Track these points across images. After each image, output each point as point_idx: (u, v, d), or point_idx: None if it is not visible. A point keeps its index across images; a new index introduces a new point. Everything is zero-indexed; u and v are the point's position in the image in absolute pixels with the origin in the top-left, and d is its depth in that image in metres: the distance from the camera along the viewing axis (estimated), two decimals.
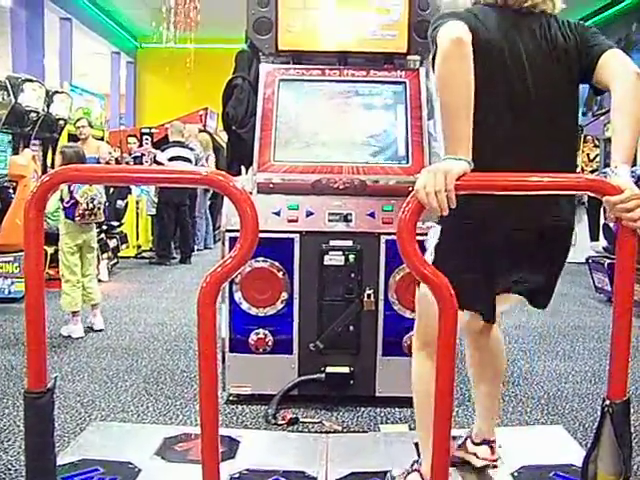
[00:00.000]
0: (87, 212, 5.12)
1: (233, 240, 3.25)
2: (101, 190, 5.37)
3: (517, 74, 2.13)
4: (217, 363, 1.80)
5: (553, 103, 2.17)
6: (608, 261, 6.43)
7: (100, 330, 5.40)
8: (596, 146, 10.34)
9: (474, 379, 2.77)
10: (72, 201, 5.05)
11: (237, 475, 2.71)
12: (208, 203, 10.80)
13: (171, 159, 8.85)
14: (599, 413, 1.88)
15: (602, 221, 7.50)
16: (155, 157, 9.43)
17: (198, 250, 10.29)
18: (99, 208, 5.26)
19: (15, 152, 7.14)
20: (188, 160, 9.03)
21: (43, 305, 1.78)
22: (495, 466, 2.72)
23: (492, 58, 2.11)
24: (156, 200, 9.51)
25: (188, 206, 9.52)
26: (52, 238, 5.33)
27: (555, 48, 2.17)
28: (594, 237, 9.01)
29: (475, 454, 2.73)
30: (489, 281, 2.24)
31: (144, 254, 9.86)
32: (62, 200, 5.08)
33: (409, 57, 3.92)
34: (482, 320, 2.36)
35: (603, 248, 7.36)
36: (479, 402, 2.76)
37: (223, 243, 3.53)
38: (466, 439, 2.79)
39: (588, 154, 10.48)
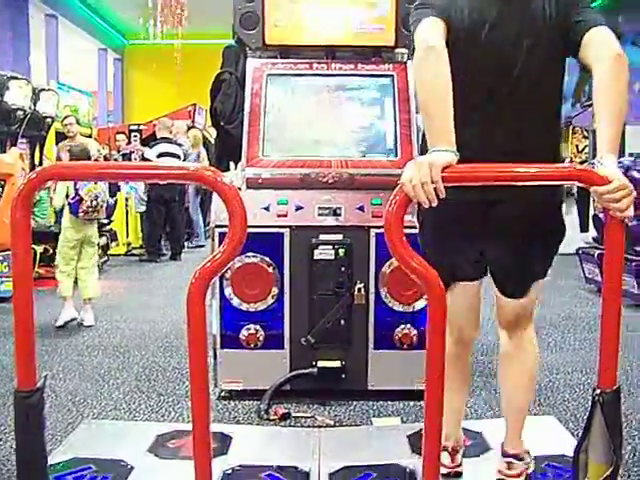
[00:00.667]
0: (90, 209, 5.30)
1: (222, 235, 3.24)
2: (104, 188, 5.51)
3: (498, 54, 2.13)
4: (207, 359, 1.80)
5: (538, 80, 2.16)
6: (598, 252, 6.45)
7: (89, 326, 5.42)
8: (585, 137, 10.38)
9: (500, 382, 2.65)
10: (77, 198, 5.24)
11: (230, 471, 2.70)
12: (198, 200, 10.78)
13: (159, 155, 8.83)
14: (590, 403, 1.88)
15: (592, 212, 7.54)
16: (143, 154, 9.43)
17: (197, 247, 10.25)
18: (101, 205, 5.41)
19: (2, 151, 7.10)
20: (176, 156, 9.02)
21: (31, 304, 1.77)
22: None
23: (471, 41, 2.12)
24: (145, 197, 9.48)
25: (178, 202, 9.50)
26: (41, 237, 5.33)
27: (541, 23, 2.14)
28: (584, 228, 9.07)
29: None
30: (458, 248, 2.30)
31: (134, 251, 9.83)
32: (67, 196, 5.26)
33: (397, 50, 3.93)
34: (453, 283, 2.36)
35: (593, 239, 7.39)
36: (503, 410, 2.63)
37: (212, 239, 3.53)
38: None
39: (577, 145, 10.51)
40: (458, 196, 1.81)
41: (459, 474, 2.60)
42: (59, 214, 8.05)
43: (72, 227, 5.39)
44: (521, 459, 2.49)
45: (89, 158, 5.73)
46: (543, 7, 2.15)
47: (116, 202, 8.81)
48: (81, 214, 5.29)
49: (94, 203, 5.30)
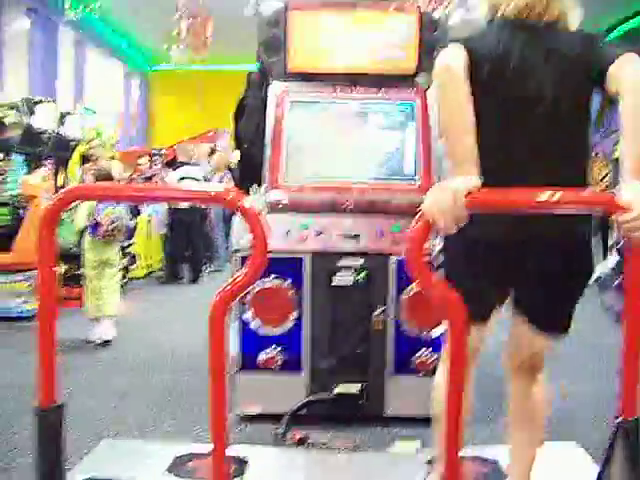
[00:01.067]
0: (107, 233, 5.42)
1: (243, 260, 3.27)
2: (124, 211, 5.64)
3: (522, 90, 2.13)
4: (227, 381, 1.81)
5: (563, 117, 2.16)
6: (617, 280, 6.38)
7: (107, 341, 5.51)
8: (606, 165, 10.32)
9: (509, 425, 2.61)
10: (94, 222, 5.38)
11: None
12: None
13: (181, 179, 8.90)
14: (611, 433, 1.87)
15: (611, 239, 7.47)
16: (163, 179, 9.56)
17: (217, 271, 10.28)
18: (119, 229, 5.51)
19: (28, 172, 7.21)
20: (198, 179, 9.08)
21: (54, 322, 1.80)
22: None
23: (497, 75, 2.13)
24: (166, 221, 9.54)
25: (199, 226, 9.54)
26: (64, 258, 5.41)
27: (565, 56, 2.15)
28: (603, 256, 8.99)
29: None
30: (483, 287, 2.23)
31: (154, 274, 9.88)
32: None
33: (418, 77, 3.95)
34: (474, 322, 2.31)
35: (611, 268, 7.32)
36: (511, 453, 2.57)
37: (233, 263, 3.55)
38: None
39: (598, 173, 10.44)
40: (488, 236, 1.82)
41: None
42: (81, 236, 8.16)
43: (92, 249, 5.53)
44: None
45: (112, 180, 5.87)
46: (567, 41, 2.17)
47: (136, 225, 8.90)
48: (98, 237, 5.43)
49: (111, 227, 5.40)
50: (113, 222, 5.40)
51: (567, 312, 2.32)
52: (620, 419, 1.81)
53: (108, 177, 5.75)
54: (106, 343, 5.51)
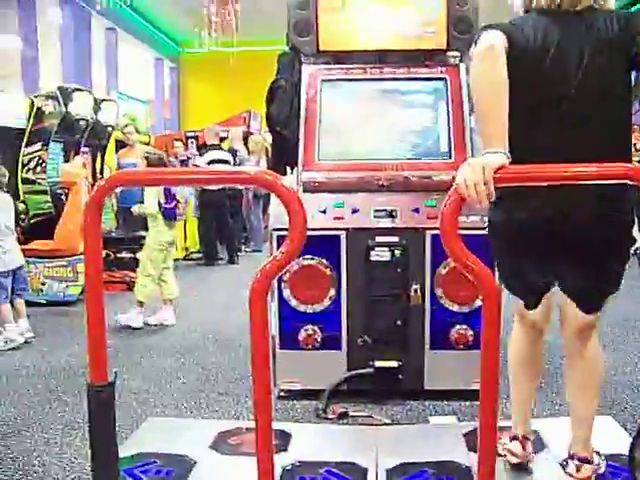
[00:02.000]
0: (184, 211, 5.75)
1: (281, 238, 3.32)
2: (187, 192, 5.93)
3: (560, 76, 2.17)
4: (269, 357, 1.87)
5: (602, 99, 2.19)
6: None
7: (172, 325, 5.67)
8: None
9: (566, 386, 2.67)
10: (174, 202, 5.55)
11: (289, 467, 2.77)
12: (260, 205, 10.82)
13: (210, 163, 8.96)
14: None
15: None
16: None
17: (254, 251, 10.36)
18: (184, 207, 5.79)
19: (66, 159, 7.34)
20: (227, 162, 9.12)
21: (102, 302, 1.87)
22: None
23: (533, 63, 2.19)
24: (196, 203, 9.63)
25: (228, 207, 9.64)
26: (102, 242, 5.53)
27: (601, 41, 2.18)
28: None
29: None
30: (528, 269, 2.33)
31: (192, 256, 10.01)
32: (160, 204, 5.52)
33: (449, 53, 3.95)
34: (526, 308, 2.41)
35: None
36: (571, 413, 2.64)
37: (271, 242, 3.61)
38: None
39: (635, 144, 10.29)
40: (529, 214, 1.88)
41: (528, 464, 2.66)
42: (120, 220, 8.31)
43: (166, 232, 5.66)
44: (589, 462, 2.51)
45: (165, 165, 6.01)
46: (605, 25, 2.19)
47: None
48: (179, 217, 5.66)
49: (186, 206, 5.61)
50: (186, 201, 5.64)
51: (605, 292, 2.40)
52: None
53: (161, 162, 5.84)
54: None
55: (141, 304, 5.61)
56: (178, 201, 5.54)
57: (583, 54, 2.17)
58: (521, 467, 2.67)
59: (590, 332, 2.49)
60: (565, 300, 2.45)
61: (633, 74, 2.26)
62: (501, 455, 2.64)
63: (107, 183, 1.92)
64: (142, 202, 5.68)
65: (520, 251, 2.35)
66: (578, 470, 2.51)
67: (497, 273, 2.47)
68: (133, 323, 5.53)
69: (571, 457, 2.54)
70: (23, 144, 6.81)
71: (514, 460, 2.64)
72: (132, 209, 5.96)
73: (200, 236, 9.90)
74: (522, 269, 2.39)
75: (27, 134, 6.82)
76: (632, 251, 7.49)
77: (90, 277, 1.89)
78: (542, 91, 2.20)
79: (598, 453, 2.57)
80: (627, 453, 1.98)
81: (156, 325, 5.64)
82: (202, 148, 9.93)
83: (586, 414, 2.54)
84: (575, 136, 2.18)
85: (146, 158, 5.76)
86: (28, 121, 6.81)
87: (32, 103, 6.83)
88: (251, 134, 11.28)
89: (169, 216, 5.57)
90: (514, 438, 2.67)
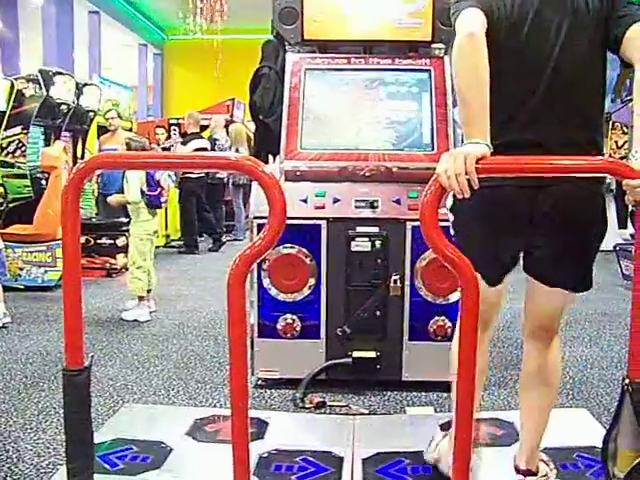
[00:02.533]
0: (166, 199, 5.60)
1: (261, 227, 3.31)
2: (166, 176, 5.61)
3: (539, 46, 2.15)
4: (247, 344, 1.86)
5: (578, 73, 2.17)
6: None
7: (154, 311, 5.64)
8: (625, 133, 10.23)
9: (520, 393, 2.62)
10: (159, 188, 5.40)
11: (266, 455, 2.78)
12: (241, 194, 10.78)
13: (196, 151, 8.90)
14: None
15: (630, 208, 7.46)
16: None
17: (235, 240, 10.34)
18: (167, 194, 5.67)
19: (47, 144, 7.28)
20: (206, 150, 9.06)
21: (80, 286, 1.85)
22: None
23: (512, 34, 2.16)
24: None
25: (210, 195, 9.66)
26: (83, 228, 5.46)
27: (583, 15, 2.16)
28: (622, 225, 8.96)
29: None
30: (495, 245, 2.27)
31: (173, 243, 9.97)
32: (142, 192, 5.37)
33: (434, 45, 3.96)
34: (487, 285, 2.31)
35: (630, 235, 7.32)
36: (521, 422, 2.58)
37: (251, 230, 3.60)
38: None
39: (616, 141, 10.37)
40: (505, 182, 1.89)
41: None
42: (101, 206, 8.25)
43: (150, 220, 5.52)
44: (534, 474, 2.47)
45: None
46: (586, 1, 2.17)
47: None
48: (163, 204, 5.55)
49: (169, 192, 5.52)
50: (168, 188, 5.54)
51: (580, 265, 2.32)
52: (628, 380, 1.84)
53: (142, 148, 5.67)
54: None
55: (141, 298, 5.52)
56: (162, 188, 5.43)
57: (561, 26, 2.15)
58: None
59: (555, 330, 2.44)
60: (536, 289, 2.37)
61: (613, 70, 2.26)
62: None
63: (86, 165, 1.89)
64: (122, 191, 5.57)
65: (494, 224, 2.25)
66: None
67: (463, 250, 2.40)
68: (141, 318, 5.43)
69: (516, 471, 2.49)
70: (2, 127, 6.74)
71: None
72: (108, 199, 5.87)
73: (182, 224, 9.86)
74: (493, 243, 2.28)
75: (7, 117, 6.74)
76: (612, 246, 7.55)
77: (68, 259, 1.87)
78: (517, 65, 2.17)
79: (545, 461, 2.54)
80: (600, 445, 2.00)
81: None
82: (185, 136, 9.84)
83: (540, 425, 2.49)
84: (550, 119, 2.16)
85: (127, 144, 5.60)
86: (8, 104, 6.73)
87: (12, 85, 6.75)
88: (234, 122, 11.23)
89: (153, 204, 5.43)
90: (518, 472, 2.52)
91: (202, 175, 9.16)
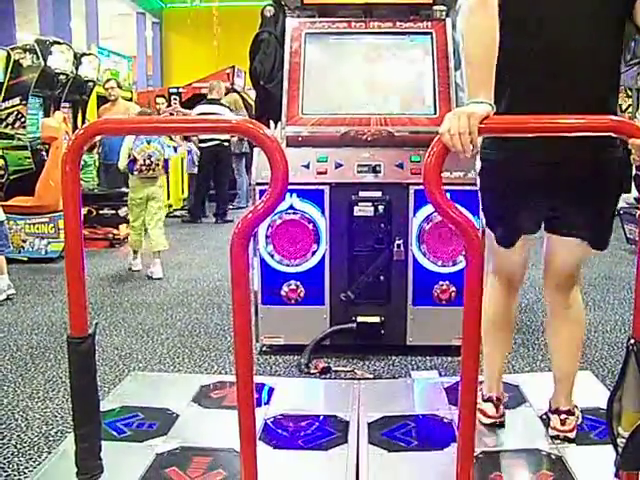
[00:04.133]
0: (144, 167, 5.69)
1: (263, 192, 3.29)
2: (159, 147, 5.80)
3: (551, 15, 2.14)
4: (250, 308, 1.85)
5: (592, 42, 2.15)
6: (639, 212, 6.38)
7: (159, 279, 5.78)
8: (629, 96, 10.16)
9: (549, 342, 2.70)
10: (130, 158, 5.67)
11: (272, 419, 2.78)
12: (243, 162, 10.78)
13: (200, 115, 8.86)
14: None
15: (634, 172, 7.42)
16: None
17: (238, 208, 10.32)
18: (157, 164, 5.76)
19: (46, 115, 7.23)
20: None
21: (82, 251, 1.84)
22: (568, 438, 2.55)
23: (523, 3, 2.14)
24: (197, 159, 9.58)
25: (225, 164, 9.62)
26: (85, 199, 5.46)
27: None
28: (626, 189, 8.93)
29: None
30: (516, 209, 2.33)
31: (175, 213, 9.96)
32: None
33: (435, 7, 3.90)
34: (501, 246, 2.42)
35: (635, 199, 7.30)
36: (553, 368, 2.66)
37: (253, 197, 3.59)
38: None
39: (620, 105, 10.29)
40: (523, 157, 1.93)
41: (503, 424, 2.66)
42: (103, 177, 8.24)
43: (134, 186, 5.86)
44: (573, 414, 2.55)
45: None
46: None
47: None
48: (136, 173, 5.71)
49: (147, 162, 5.67)
50: (150, 157, 5.67)
51: (598, 221, 2.38)
52: (633, 340, 1.84)
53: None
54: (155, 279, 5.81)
55: (135, 252, 6.07)
56: (135, 157, 5.65)
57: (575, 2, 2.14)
58: (493, 426, 2.65)
59: (574, 284, 2.51)
60: (553, 250, 2.44)
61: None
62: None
63: (86, 131, 1.86)
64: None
65: (516, 189, 2.30)
66: (563, 423, 2.54)
67: (484, 215, 2.45)
68: (134, 267, 6.10)
69: (554, 411, 2.57)
70: (0, 98, 6.68)
71: (487, 421, 2.63)
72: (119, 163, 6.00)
73: (193, 193, 9.86)
74: (515, 208, 2.35)
75: (4, 88, 6.67)
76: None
77: (70, 229, 1.85)
78: (530, 32, 2.16)
79: (576, 406, 2.60)
80: (604, 407, 2.00)
81: (147, 276, 5.87)
82: (191, 103, 9.83)
83: (570, 368, 2.57)
84: (561, 81, 2.16)
85: (139, 114, 5.90)
86: (5, 75, 6.66)
87: (8, 56, 6.67)
88: (234, 91, 11.15)
89: (129, 170, 5.73)
90: (488, 400, 2.65)
91: (220, 143, 9.13)
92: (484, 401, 2.65)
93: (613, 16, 2.17)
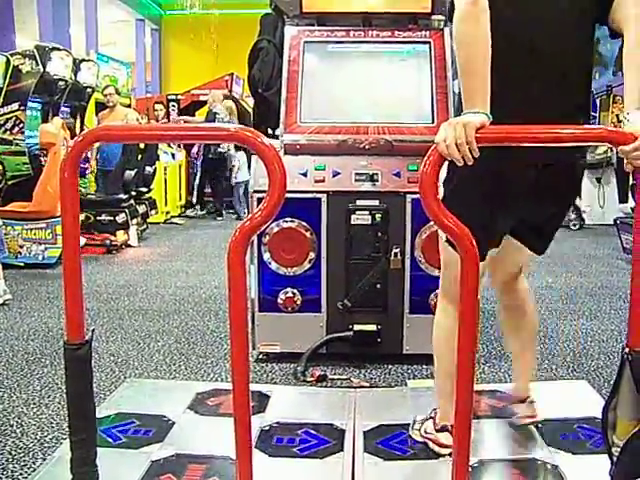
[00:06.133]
0: None
1: (260, 200, 3.30)
2: None
3: (534, 19, 2.14)
4: (247, 316, 1.85)
5: (569, 44, 2.16)
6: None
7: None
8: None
9: (505, 335, 2.85)
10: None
11: (267, 427, 2.78)
12: None
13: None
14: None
15: (631, 182, 7.44)
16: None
17: (238, 218, 10.38)
18: None
19: (45, 120, 7.23)
20: None
21: (79, 257, 1.84)
22: (536, 423, 2.67)
23: (510, 8, 2.13)
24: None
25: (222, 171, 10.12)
26: (82, 205, 5.48)
27: None
28: (623, 199, 8.96)
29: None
30: (489, 218, 2.27)
31: (173, 220, 9.97)
32: None
33: (433, 17, 3.91)
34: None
35: (631, 209, 7.32)
36: (513, 360, 2.84)
37: (251, 204, 3.60)
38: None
39: (617, 115, 10.33)
40: (509, 163, 1.97)
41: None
42: (100, 183, 8.25)
43: None
44: (534, 401, 2.69)
45: None
46: None
47: (155, 171, 8.93)
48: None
49: None
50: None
51: (554, 233, 2.49)
52: (627, 349, 1.84)
53: None
54: None
55: None
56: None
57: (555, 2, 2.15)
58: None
59: (521, 275, 2.62)
60: (510, 251, 2.46)
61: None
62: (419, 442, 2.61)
63: (85, 138, 1.87)
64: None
65: (495, 198, 2.25)
66: (533, 410, 2.66)
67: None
68: None
69: (522, 401, 2.68)
70: None
71: (444, 452, 2.47)
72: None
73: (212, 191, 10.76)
74: (493, 216, 2.29)
75: (3, 93, 6.67)
76: (613, 220, 7.54)
77: (68, 234, 1.86)
78: (517, 37, 2.14)
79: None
80: (600, 416, 2.00)
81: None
82: (189, 110, 10.05)
83: (530, 356, 2.74)
84: (546, 88, 2.16)
85: None
86: (4, 80, 6.66)
87: (8, 61, 6.68)
88: (233, 98, 11.19)
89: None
90: (443, 429, 2.51)
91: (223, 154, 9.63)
92: (438, 431, 2.54)
93: (591, 19, 2.19)
